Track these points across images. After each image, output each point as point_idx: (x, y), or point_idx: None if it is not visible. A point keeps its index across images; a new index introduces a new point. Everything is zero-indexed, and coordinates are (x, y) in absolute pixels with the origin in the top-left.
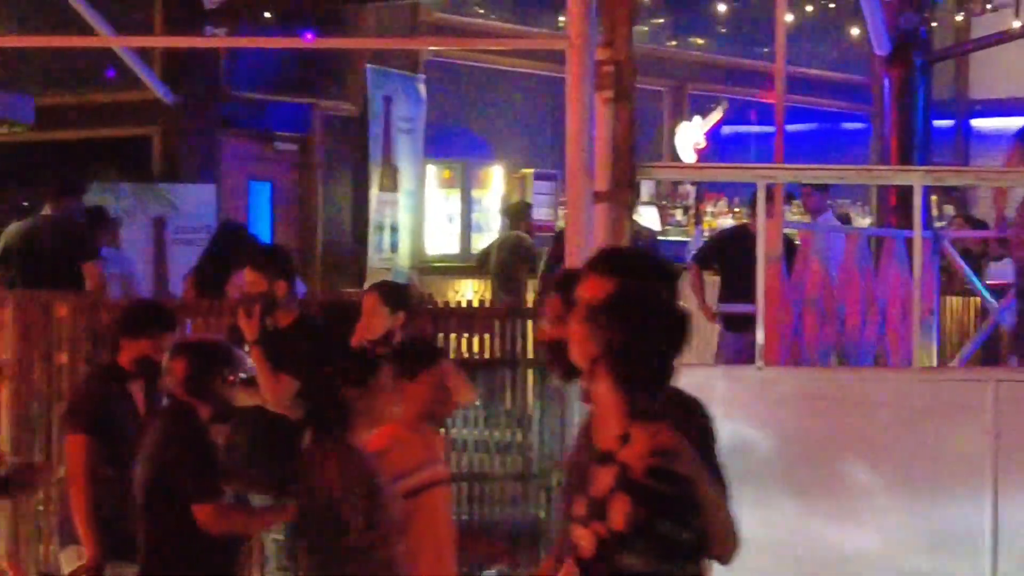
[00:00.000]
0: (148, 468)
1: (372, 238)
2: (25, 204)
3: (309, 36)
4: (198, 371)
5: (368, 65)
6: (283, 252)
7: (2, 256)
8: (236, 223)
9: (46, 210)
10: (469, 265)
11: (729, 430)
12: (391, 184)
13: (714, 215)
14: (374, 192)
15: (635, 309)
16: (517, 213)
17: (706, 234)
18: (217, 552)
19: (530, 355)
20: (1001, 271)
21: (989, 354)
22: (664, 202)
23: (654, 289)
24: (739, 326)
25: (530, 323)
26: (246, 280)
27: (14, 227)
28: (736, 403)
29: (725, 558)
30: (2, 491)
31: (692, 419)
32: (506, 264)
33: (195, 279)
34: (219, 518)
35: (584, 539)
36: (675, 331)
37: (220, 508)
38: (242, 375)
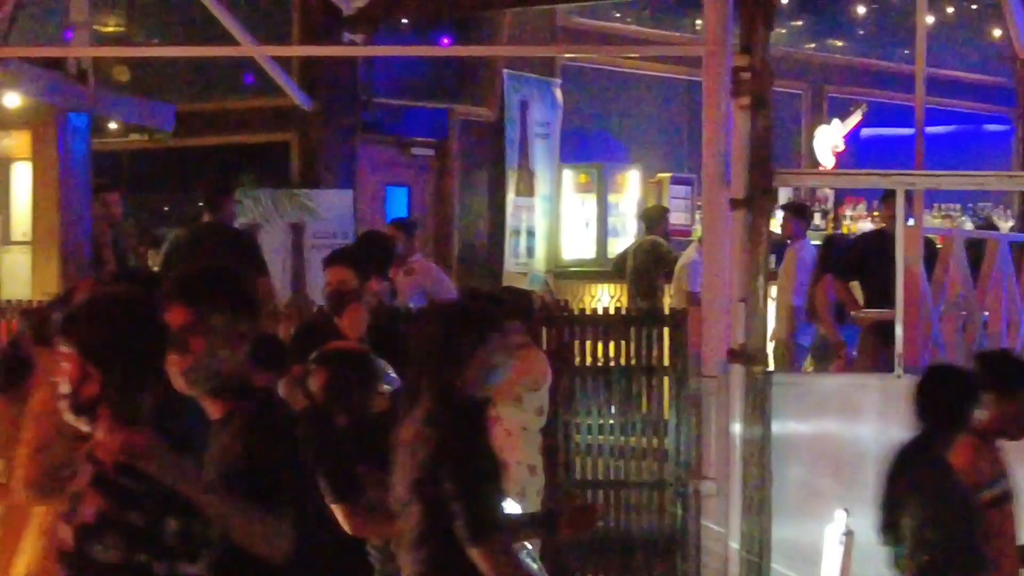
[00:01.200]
0: None
1: (508, 243)
2: (166, 209)
3: (446, 42)
4: (337, 380)
5: (505, 70)
6: (376, 245)
7: (167, 263)
8: (377, 232)
9: (205, 217)
10: (605, 269)
11: (868, 436)
12: (527, 189)
13: (853, 219)
14: (510, 197)
15: (107, 318)
16: (654, 217)
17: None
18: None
19: (666, 361)
20: None
21: None
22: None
23: (131, 297)
24: (881, 331)
25: (667, 329)
26: (332, 279)
27: (178, 233)
28: (875, 411)
29: (270, 558)
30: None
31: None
32: (642, 269)
33: None
34: (356, 520)
35: (63, 532)
36: (153, 338)
37: (356, 510)
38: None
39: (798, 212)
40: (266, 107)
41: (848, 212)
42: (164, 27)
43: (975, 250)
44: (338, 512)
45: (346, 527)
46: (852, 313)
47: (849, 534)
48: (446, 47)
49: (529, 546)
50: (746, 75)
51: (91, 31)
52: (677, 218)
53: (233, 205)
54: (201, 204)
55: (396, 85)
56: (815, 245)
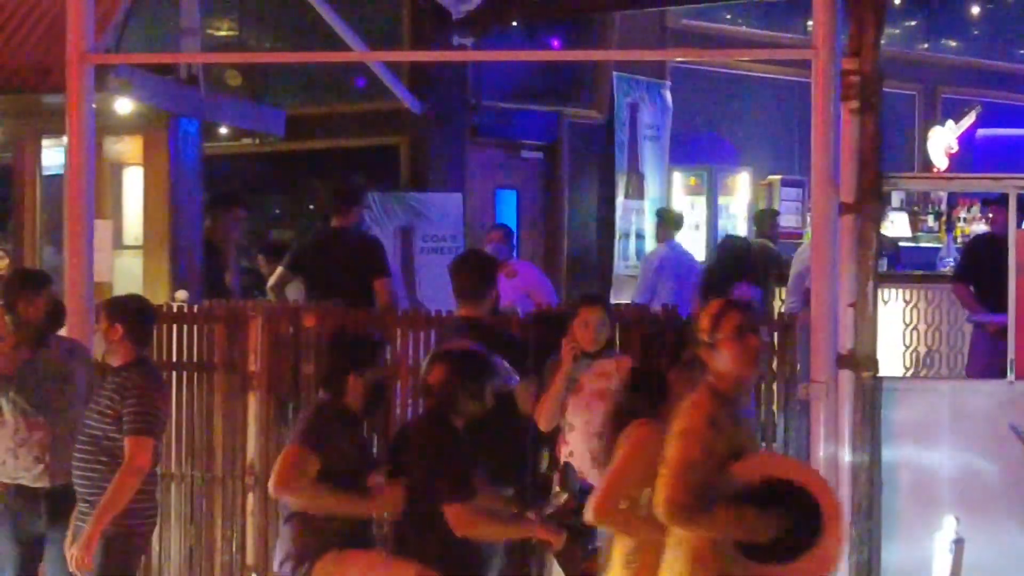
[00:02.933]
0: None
1: (618, 246)
2: (276, 213)
3: (555, 45)
4: (453, 379)
5: (614, 72)
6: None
7: (294, 264)
8: (740, 237)
9: (334, 222)
10: None
11: (978, 444)
12: (637, 191)
13: (967, 221)
14: (620, 200)
15: None
16: (764, 220)
17: (958, 241)
18: (469, 554)
19: (775, 366)
20: None
21: None
22: (915, 208)
23: None
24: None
25: (776, 333)
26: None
27: (308, 238)
28: (986, 417)
29: None
30: None
31: None
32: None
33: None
34: (468, 520)
35: None
36: None
37: (470, 510)
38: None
39: None
40: (376, 111)
41: (962, 215)
42: (275, 32)
43: None
44: (449, 512)
45: (456, 527)
46: (969, 318)
47: (959, 541)
48: (555, 50)
49: None
50: (855, 78)
51: (202, 36)
52: (787, 220)
53: (362, 210)
54: (327, 208)
55: (505, 88)
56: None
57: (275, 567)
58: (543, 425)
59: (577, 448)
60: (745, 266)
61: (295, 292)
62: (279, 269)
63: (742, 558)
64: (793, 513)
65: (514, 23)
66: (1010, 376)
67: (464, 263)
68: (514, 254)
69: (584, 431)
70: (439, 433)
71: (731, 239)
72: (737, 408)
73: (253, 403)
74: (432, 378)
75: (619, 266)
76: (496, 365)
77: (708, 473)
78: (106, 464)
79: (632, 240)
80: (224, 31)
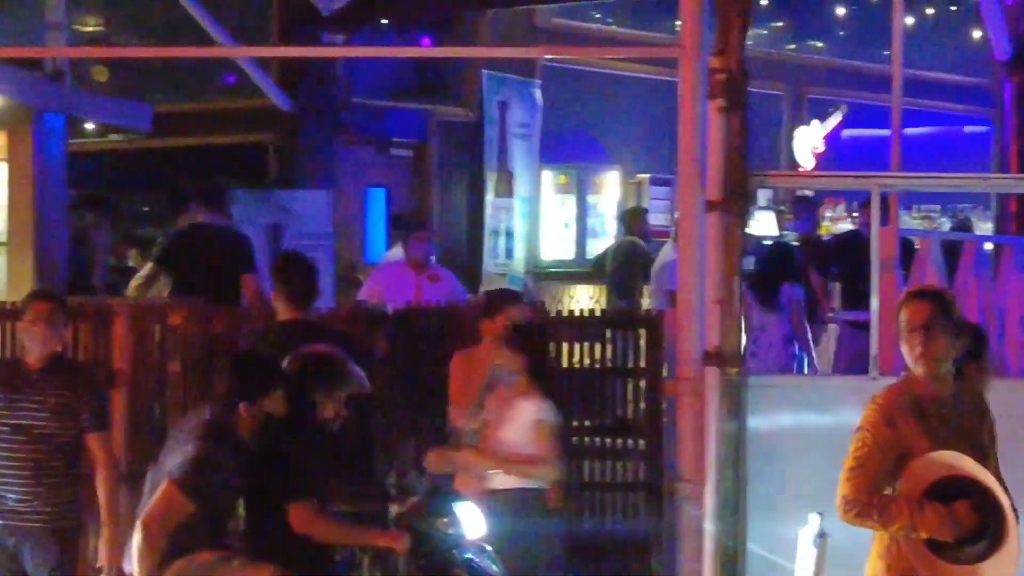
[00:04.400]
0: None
1: (487, 244)
2: (145, 210)
3: (425, 42)
4: (309, 381)
5: (484, 71)
6: None
7: (162, 260)
8: (783, 242)
9: (201, 218)
10: (585, 270)
11: (842, 440)
12: (506, 190)
13: (832, 220)
14: (489, 198)
15: None
16: (632, 218)
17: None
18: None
19: (643, 363)
20: None
21: None
22: (782, 207)
23: None
24: (860, 330)
25: (643, 330)
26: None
27: (175, 233)
28: (852, 414)
29: None
30: None
31: None
32: (621, 270)
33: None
34: (309, 519)
35: None
36: None
37: (312, 509)
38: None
39: None
40: (245, 108)
41: (828, 213)
42: (142, 27)
43: (953, 251)
44: (292, 511)
45: (297, 526)
46: (829, 314)
47: (823, 536)
48: (425, 48)
49: (489, 547)
50: (721, 76)
51: (68, 31)
52: (657, 219)
53: (228, 205)
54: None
55: (375, 86)
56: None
57: (124, 567)
58: (462, 422)
59: (489, 443)
60: (789, 267)
61: (163, 288)
62: (147, 265)
63: (931, 556)
64: (981, 513)
65: (384, 21)
66: (873, 372)
67: (294, 265)
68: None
69: (500, 426)
70: (288, 433)
71: (778, 243)
72: (941, 403)
73: (119, 401)
74: (290, 379)
75: (488, 264)
76: (352, 369)
77: (880, 470)
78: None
79: (502, 238)
80: (91, 26)
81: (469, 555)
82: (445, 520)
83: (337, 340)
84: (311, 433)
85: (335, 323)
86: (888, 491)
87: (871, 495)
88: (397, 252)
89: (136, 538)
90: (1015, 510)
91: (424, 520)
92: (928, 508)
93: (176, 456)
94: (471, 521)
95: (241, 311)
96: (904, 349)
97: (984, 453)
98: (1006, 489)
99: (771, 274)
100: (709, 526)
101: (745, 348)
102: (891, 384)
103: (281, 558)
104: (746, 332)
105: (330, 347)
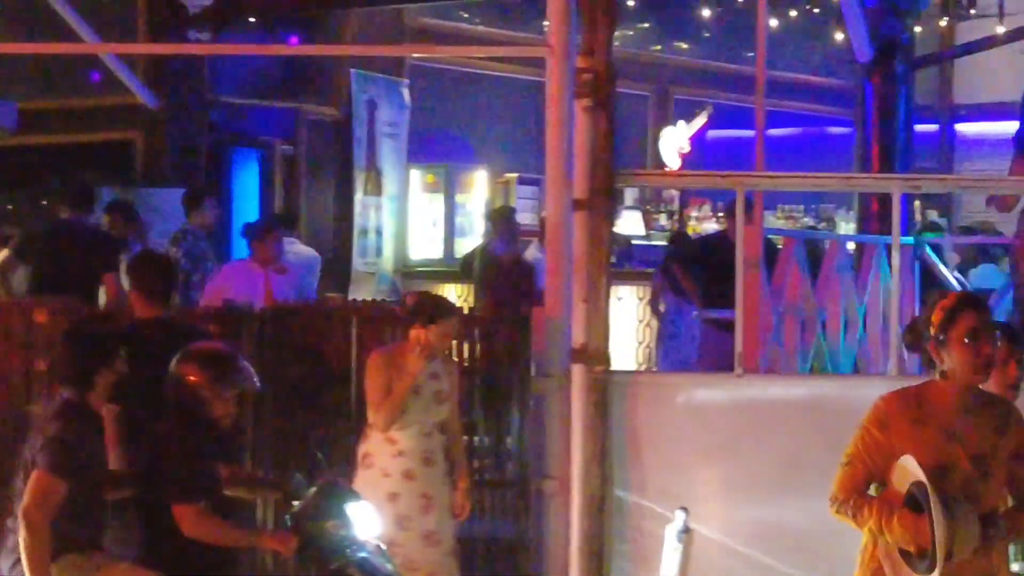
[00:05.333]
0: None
1: (356, 242)
2: (9, 208)
3: (293, 41)
4: (199, 378)
5: (352, 70)
6: None
7: (20, 250)
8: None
9: (64, 214)
10: (453, 269)
11: (708, 437)
12: (375, 188)
13: (698, 220)
14: (358, 196)
15: None
16: (499, 218)
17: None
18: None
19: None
20: (983, 277)
21: None
22: (648, 207)
23: None
24: (724, 326)
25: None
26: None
27: (37, 226)
28: (716, 410)
29: None
30: None
31: None
32: (488, 269)
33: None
34: (195, 521)
35: None
36: None
37: (197, 511)
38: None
39: None
40: (111, 105)
41: (694, 213)
42: (6, 23)
43: (817, 251)
44: (177, 512)
45: (184, 528)
46: (695, 313)
47: (688, 532)
48: (293, 46)
49: (383, 546)
50: (588, 76)
51: None
52: (524, 218)
53: (93, 204)
54: (57, 202)
55: (243, 84)
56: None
57: (3, 570)
58: (384, 425)
59: (408, 446)
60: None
61: (18, 281)
62: (3, 252)
63: (899, 560)
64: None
65: (252, 19)
66: (738, 369)
67: (150, 264)
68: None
69: (419, 431)
70: (177, 433)
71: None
72: (954, 413)
73: None
74: (179, 376)
75: (357, 262)
76: (244, 365)
77: (863, 470)
78: None
79: (371, 237)
80: None
81: (364, 554)
82: (335, 522)
83: (195, 338)
84: (200, 432)
85: (193, 321)
86: (873, 489)
87: (850, 494)
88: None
89: (22, 533)
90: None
91: (313, 522)
92: (896, 515)
93: (37, 443)
94: (364, 521)
95: (106, 310)
96: (958, 356)
97: (985, 471)
98: (995, 510)
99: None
100: (576, 523)
101: (661, 331)
102: (906, 387)
103: (169, 559)
104: (660, 318)
105: (218, 343)
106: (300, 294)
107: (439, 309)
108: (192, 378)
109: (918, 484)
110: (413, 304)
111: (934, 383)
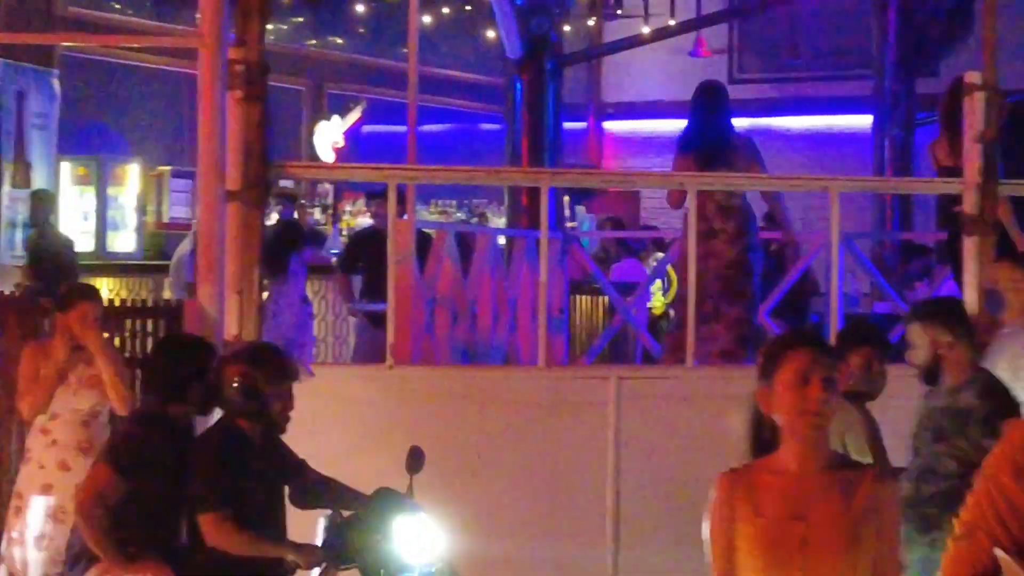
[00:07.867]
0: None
1: (4, 236)
2: None
3: None
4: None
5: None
6: None
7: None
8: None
9: None
10: (105, 263)
11: (360, 428)
12: (23, 181)
13: (352, 214)
14: (6, 189)
15: None
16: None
17: (343, 233)
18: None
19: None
20: (625, 270)
21: (617, 351)
22: (303, 201)
23: None
24: (378, 322)
25: (163, 321)
26: None
27: None
28: (368, 402)
29: None
30: None
31: None
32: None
33: None
34: (217, 530)
35: None
36: None
37: (220, 520)
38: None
39: None
40: None
41: (348, 207)
42: None
43: (470, 244)
44: (202, 521)
45: (207, 537)
46: (348, 306)
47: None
48: None
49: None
50: (240, 67)
51: None
52: (178, 211)
53: None
54: None
55: None
56: None
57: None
58: (28, 412)
59: (62, 436)
60: (296, 239)
61: None
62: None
63: None
64: None
65: None
66: (389, 361)
67: None
68: None
69: (72, 420)
70: (207, 441)
71: (283, 220)
72: None
73: None
74: (233, 378)
75: (5, 256)
76: (289, 357)
77: (991, 543)
78: None
79: (19, 229)
80: None
81: None
82: (379, 536)
83: None
84: (236, 442)
85: None
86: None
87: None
88: None
89: (79, 524)
90: None
91: (355, 532)
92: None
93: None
94: (417, 539)
95: None
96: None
97: None
98: None
99: (281, 248)
100: None
101: (267, 307)
102: None
103: (199, 568)
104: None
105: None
106: None
107: (73, 293)
108: (247, 377)
109: None
110: (59, 294)
111: None
